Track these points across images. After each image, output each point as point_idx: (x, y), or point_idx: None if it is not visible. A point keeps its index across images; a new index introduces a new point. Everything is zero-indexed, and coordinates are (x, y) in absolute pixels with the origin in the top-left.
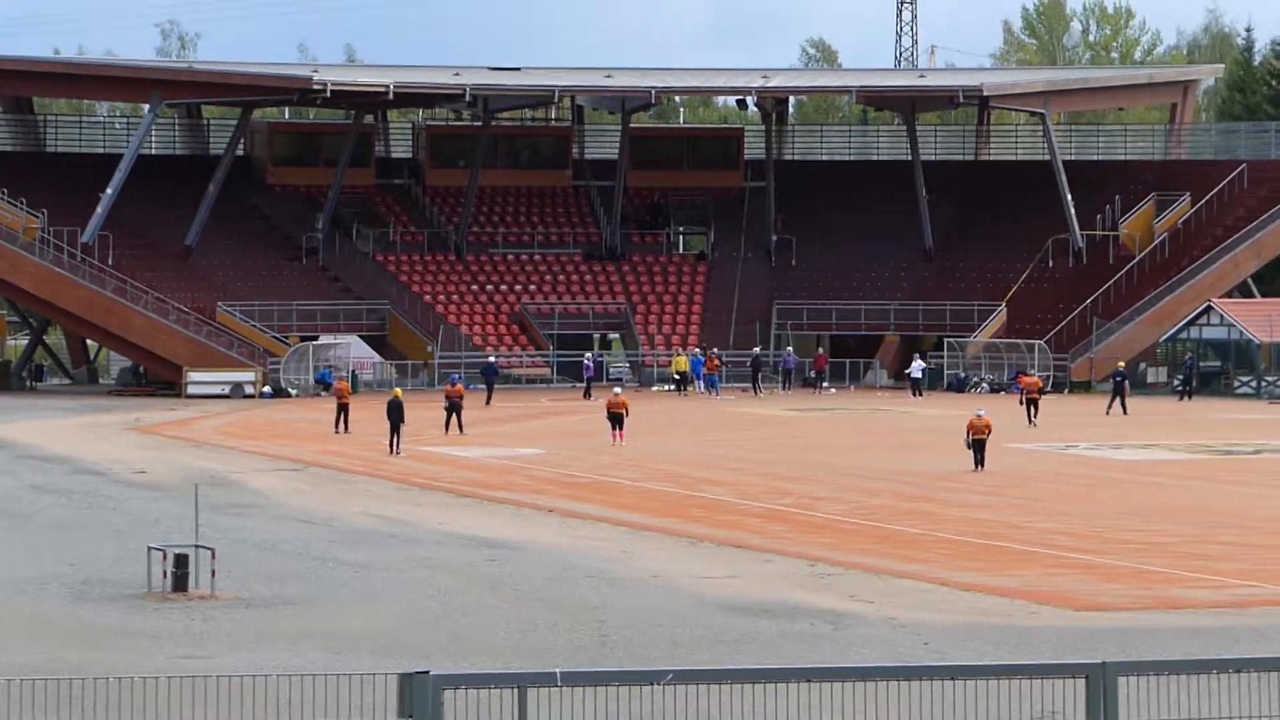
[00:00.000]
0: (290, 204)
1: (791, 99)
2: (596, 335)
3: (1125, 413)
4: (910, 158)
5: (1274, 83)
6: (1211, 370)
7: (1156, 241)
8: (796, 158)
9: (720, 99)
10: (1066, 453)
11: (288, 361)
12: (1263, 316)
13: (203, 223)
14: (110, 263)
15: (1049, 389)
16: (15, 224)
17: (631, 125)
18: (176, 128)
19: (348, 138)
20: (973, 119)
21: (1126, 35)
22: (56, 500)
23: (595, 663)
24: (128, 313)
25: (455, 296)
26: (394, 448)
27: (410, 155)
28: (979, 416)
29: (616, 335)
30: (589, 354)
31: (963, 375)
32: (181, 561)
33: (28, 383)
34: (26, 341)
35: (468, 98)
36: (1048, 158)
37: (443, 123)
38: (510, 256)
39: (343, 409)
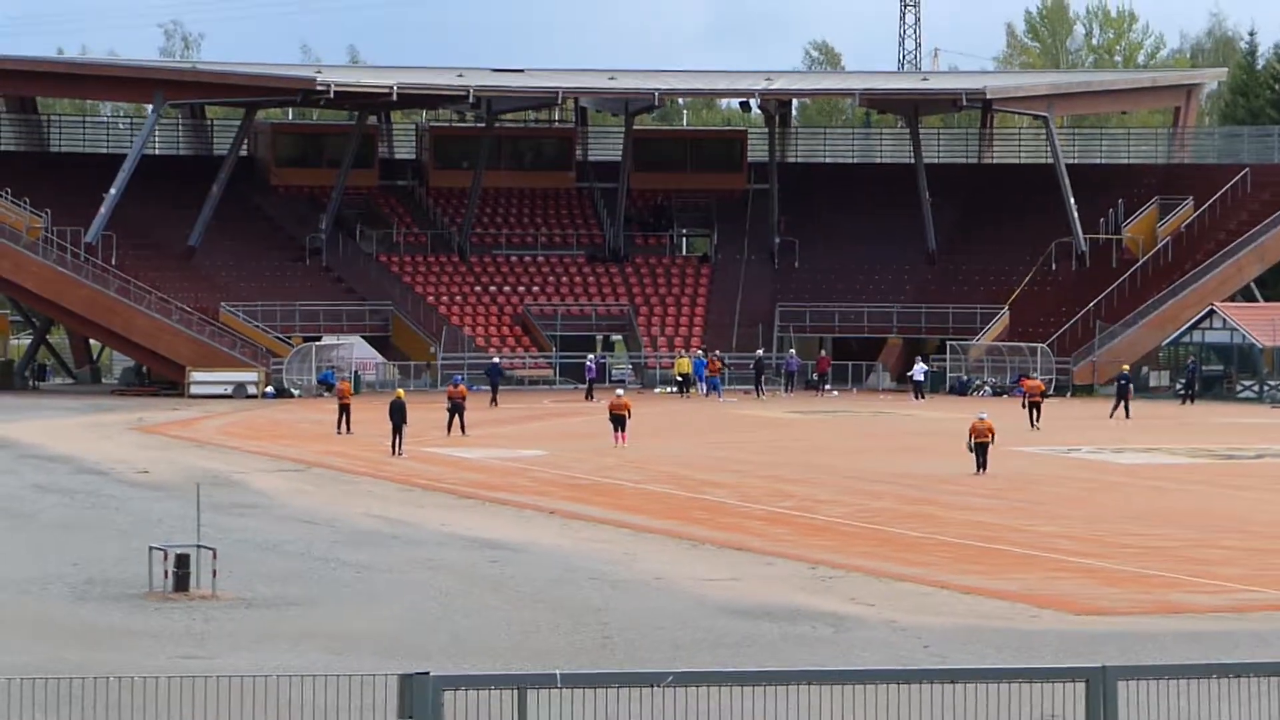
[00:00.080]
0: (293, 205)
1: (794, 101)
2: (599, 337)
3: (1128, 416)
4: (913, 160)
5: (1277, 87)
6: (1214, 374)
7: (1159, 245)
8: (799, 160)
9: (723, 101)
10: (1068, 456)
11: (290, 362)
12: (1265, 321)
13: (206, 223)
14: (114, 263)
15: (1051, 392)
16: (19, 224)
17: (635, 127)
18: (180, 128)
19: (351, 138)
20: (976, 122)
21: (1130, 39)
22: (59, 500)
23: (596, 665)
24: (131, 313)
25: (458, 298)
26: (396, 449)
27: (414, 156)
28: (981, 420)
29: (619, 337)
30: (591, 355)
31: (965, 378)
32: (183, 561)
33: (31, 382)
34: (30, 341)
35: (471, 99)
36: (1051, 161)
37: (446, 124)
38: (513, 258)
39: (344, 410)
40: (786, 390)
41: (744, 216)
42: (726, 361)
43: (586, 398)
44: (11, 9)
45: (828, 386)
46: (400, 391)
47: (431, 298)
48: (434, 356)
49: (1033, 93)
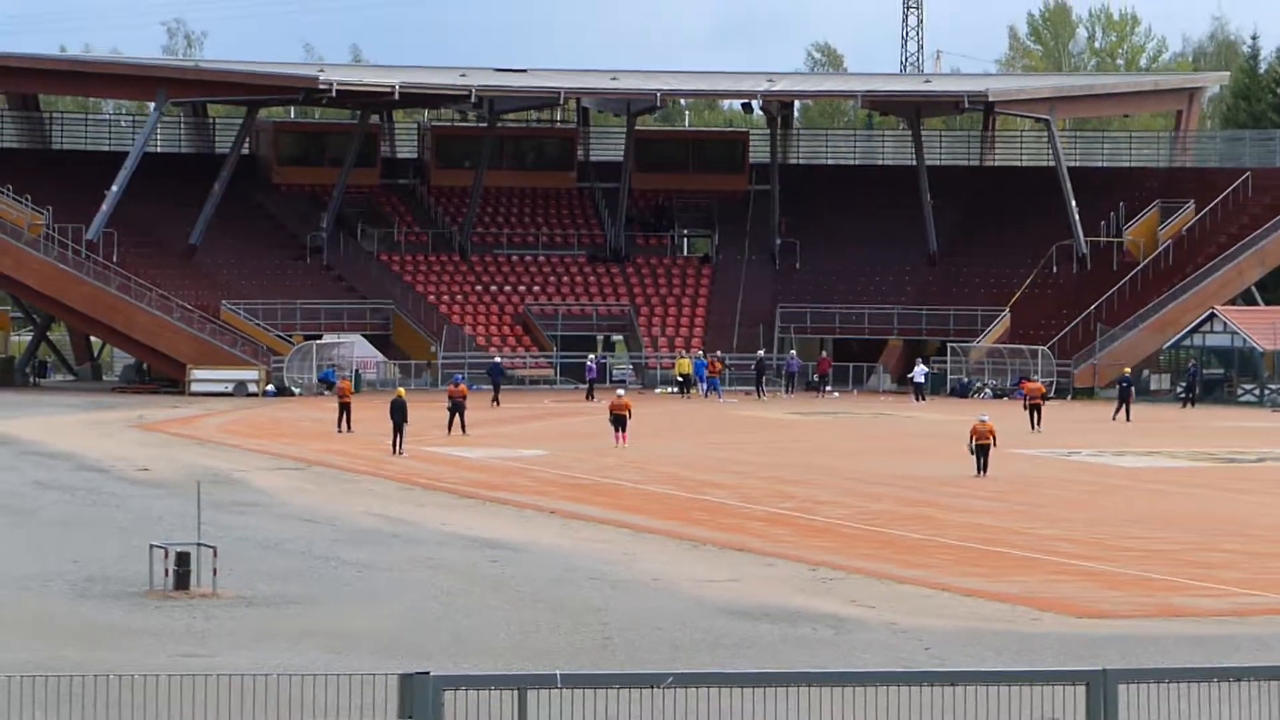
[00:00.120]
0: (295, 203)
1: (796, 102)
2: (600, 337)
3: (1128, 419)
4: (915, 162)
5: (1279, 90)
6: (1214, 378)
7: (1160, 248)
8: (801, 161)
9: (725, 102)
10: (1069, 459)
11: (291, 360)
12: (1266, 324)
13: (207, 221)
14: (115, 260)
15: (1051, 395)
16: (20, 221)
17: (636, 128)
18: (182, 126)
19: (353, 137)
20: (978, 124)
21: (1132, 42)
22: (60, 497)
23: (596, 665)
24: (132, 310)
25: (459, 297)
26: (397, 448)
27: (415, 155)
28: (982, 422)
29: (620, 337)
30: (592, 356)
31: (966, 380)
32: (184, 559)
33: (31, 379)
34: (30, 338)
35: (473, 99)
36: (1052, 163)
37: (448, 123)
38: (514, 257)
39: (345, 408)
40: (787, 391)
41: (745, 217)
42: (727, 362)
43: (587, 398)
44: (14, 7)
45: (828, 388)
46: (401, 390)
47: (432, 297)
48: (435, 356)
49: (1035, 95)
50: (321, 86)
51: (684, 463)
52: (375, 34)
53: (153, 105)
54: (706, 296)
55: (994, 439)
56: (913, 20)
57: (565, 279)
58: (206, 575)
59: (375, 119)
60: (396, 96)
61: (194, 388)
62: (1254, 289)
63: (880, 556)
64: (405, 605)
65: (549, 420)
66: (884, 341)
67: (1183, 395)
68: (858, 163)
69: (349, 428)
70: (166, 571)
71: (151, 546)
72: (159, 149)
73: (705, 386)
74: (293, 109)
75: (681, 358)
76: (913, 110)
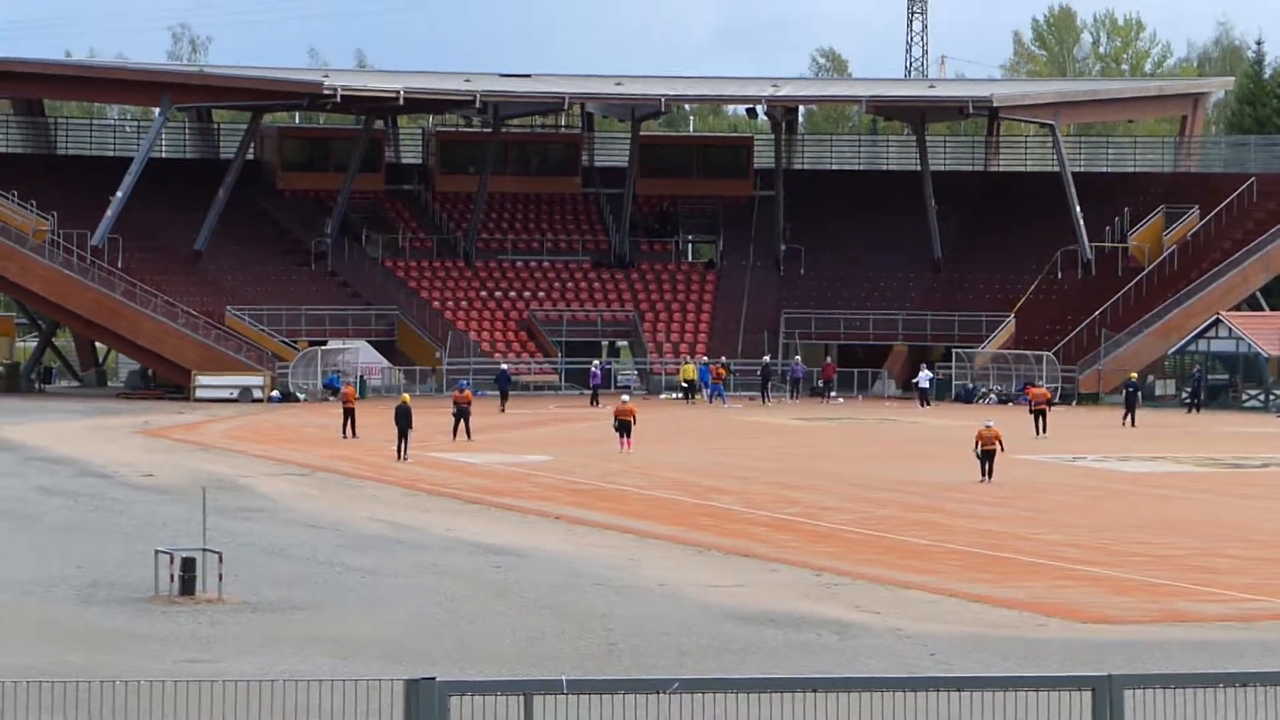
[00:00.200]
0: (300, 209)
1: (801, 108)
2: (605, 343)
3: (1133, 425)
4: (920, 168)
5: None
6: (1219, 383)
7: (1165, 254)
8: (806, 167)
9: (730, 108)
10: (1074, 464)
11: (296, 366)
12: (1271, 330)
13: (212, 227)
14: (120, 266)
15: (1057, 401)
16: (25, 226)
17: (641, 133)
18: (187, 131)
19: (358, 143)
20: (982, 130)
21: (1137, 47)
22: (64, 502)
23: (602, 671)
24: (137, 316)
25: (464, 303)
26: (402, 453)
27: (420, 161)
28: (988, 427)
29: (625, 343)
30: (597, 361)
31: (971, 386)
32: (188, 565)
33: (36, 385)
34: (35, 344)
35: (478, 104)
36: (1057, 169)
37: (453, 129)
38: (519, 263)
39: (349, 414)
40: (792, 397)
41: (750, 223)
42: (732, 368)
43: (591, 403)
44: (19, 12)
45: (833, 393)
46: (405, 396)
47: (437, 303)
48: (439, 361)
49: (1039, 101)
50: (326, 92)
51: (689, 468)
52: (380, 39)
53: (158, 110)
54: (711, 302)
55: (1000, 444)
56: (917, 26)
57: (570, 285)
58: (211, 581)
59: (380, 124)
60: (401, 102)
61: (199, 393)
62: (1259, 294)
63: (885, 562)
64: (410, 611)
65: (554, 426)
66: (889, 347)
67: (1188, 400)
68: (862, 168)
69: (354, 433)
70: (171, 577)
71: (156, 552)
72: (164, 154)
73: (709, 392)
74: (297, 114)
75: (686, 363)
76: (917, 116)
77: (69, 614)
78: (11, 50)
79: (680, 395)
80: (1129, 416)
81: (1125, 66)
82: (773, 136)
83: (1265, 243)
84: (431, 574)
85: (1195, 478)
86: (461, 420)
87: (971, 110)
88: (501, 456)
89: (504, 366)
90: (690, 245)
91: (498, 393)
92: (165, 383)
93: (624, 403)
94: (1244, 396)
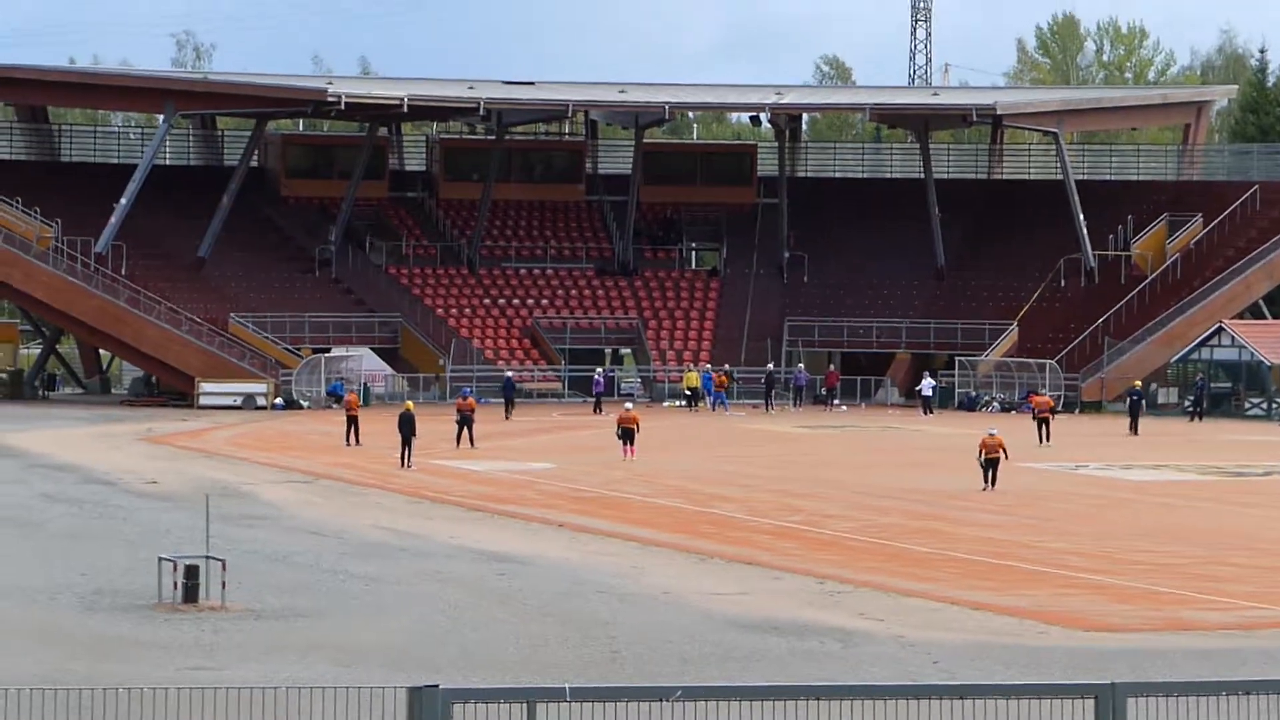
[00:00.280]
0: (303, 216)
1: (805, 116)
2: (608, 350)
3: (1136, 432)
4: (923, 176)
5: None
6: (1222, 391)
7: (1168, 262)
8: (809, 175)
9: (734, 115)
10: (1077, 473)
11: (300, 373)
12: (1274, 338)
13: (216, 234)
14: (123, 273)
15: (1060, 409)
16: (29, 233)
17: (644, 140)
18: (191, 138)
19: (361, 150)
20: (986, 138)
21: (1140, 55)
22: (68, 509)
23: (605, 678)
24: (140, 323)
25: (467, 310)
26: (405, 461)
27: (424, 168)
28: (991, 435)
29: (628, 350)
30: (600, 369)
31: (974, 394)
32: (192, 572)
33: (40, 392)
34: (39, 351)
35: (482, 111)
36: (1060, 177)
37: (456, 136)
38: (523, 270)
39: (353, 421)
40: (795, 405)
41: (753, 230)
42: (735, 376)
43: (595, 411)
44: (24, 19)
45: (836, 401)
46: (409, 404)
47: (441, 310)
48: (443, 369)
49: (1043, 109)
50: (330, 99)
51: (692, 476)
52: (383, 46)
53: (161, 118)
54: (714, 310)
55: (1004, 452)
56: (921, 34)
57: (573, 292)
58: (215, 588)
59: (383, 131)
60: (405, 109)
61: (202, 401)
62: (1261, 303)
63: (888, 570)
64: (414, 618)
65: (557, 433)
66: (892, 355)
67: (1190, 409)
68: (865, 176)
69: (357, 441)
70: (175, 584)
71: (160, 559)
72: (168, 161)
73: (712, 400)
74: (301, 121)
75: (689, 371)
76: (921, 123)
77: (73, 621)
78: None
79: (684, 403)
80: (1134, 425)
81: (1129, 75)
82: (776, 144)
83: (1268, 251)
84: (435, 581)
85: (1198, 486)
86: (465, 428)
87: (975, 118)
88: (505, 464)
89: (510, 374)
90: (694, 253)
91: (503, 400)
92: (169, 390)
93: (627, 410)
94: (1247, 405)
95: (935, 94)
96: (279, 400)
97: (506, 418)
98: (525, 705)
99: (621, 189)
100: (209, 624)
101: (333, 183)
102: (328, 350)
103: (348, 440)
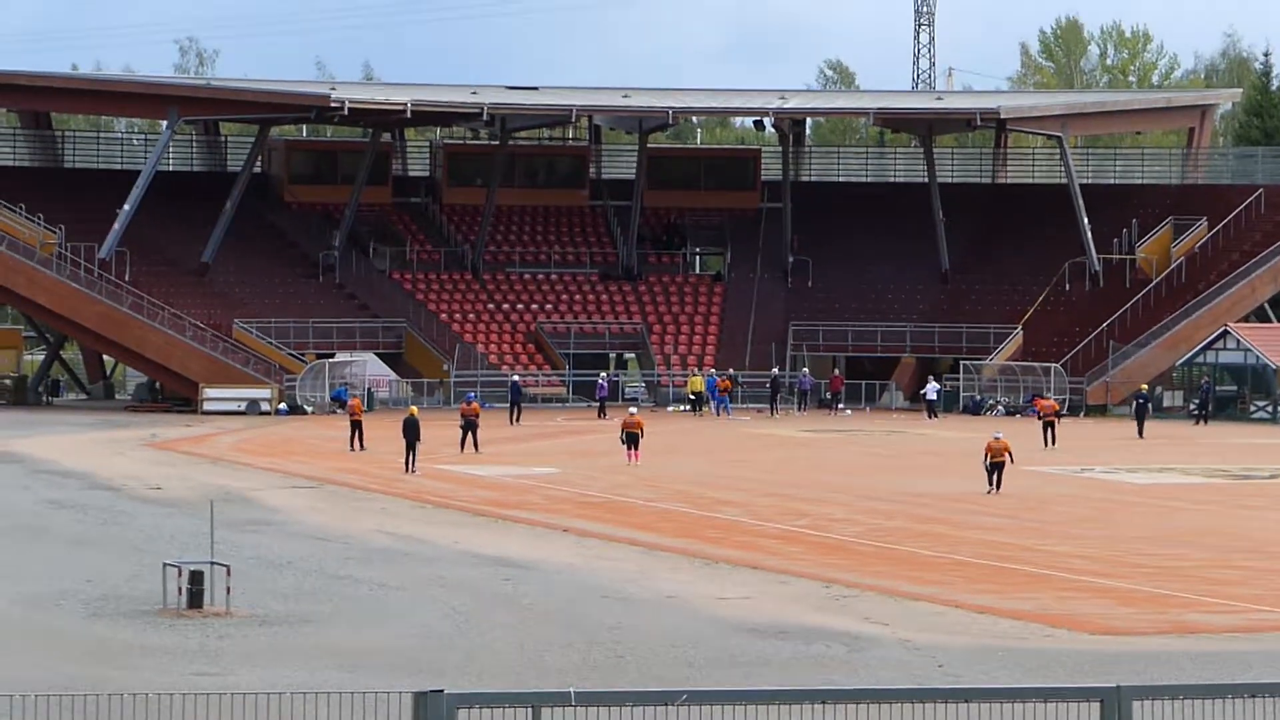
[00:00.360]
0: (307, 221)
1: (808, 120)
2: (612, 355)
3: (1141, 436)
4: (927, 180)
5: None
6: (1227, 395)
7: (1173, 265)
8: (813, 179)
9: (737, 120)
10: (1081, 476)
11: (304, 379)
12: (1279, 341)
13: (219, 239)
14: (127, 279)
15: (1065, 412)
16: (33, 239)
17: (648, 145)
18: (194, 144)
19: (365, 156)
20: (990, 141)
21: (1144, 59)
22: (72, 516)
23: (610, 683)
24: (144, 329)
25: (471, 315)
26: (409, 466)
27: (427, 174)
28: (997, 439)
29: (632, 355)
30: (604, 373)
31: (978, 398)
32: (197, 578)
33: (44, 398)
34: (43, 357)
35: (485, 116)
36: (1065, 181)
37: (460, 141)
38: (527, 275)
39: (357, 427)
40: (800, 409)
41: (757, 235)
42: (739, 380)
43: (599, 416)
44: (27, 25)
45: (841, 405)
46: (413, 409)
47: (445, 315)
48: (447, 374)
49: (1047, 113)
50: (333, 105)
51: (697, 480)
52: (387, 52)
53: (165, 124)
54: (719, 314)
55: (1009, 456)
56: (924, 38)
57: (577, 297)
58: (220, 594)
59: (387, 137)
60: (408, 114)
61: (206, 406)
62: (1267, 306)
63: (893, 574)
64: (418, 624)
65: (561, 438)
66: (896, 359)
67: (1196, 412)
68: (870, 180)
69: (361, 446)
70: (180, 590)
71: (165, 565)
72: (171, 167)
73: (716, 404)
74: (304, 127)
75: (694, 375)
76: (925, 128)
77: (78, 627)
78: (19, 63)
79: (688, 408)
80: (1140, 429)
81: (1132, 78)
82: (780, 148)
83: (1273, 254)
84: (439, 586)
85: (1203, 489)
86: (469, 432)
87: (979, 122)
88: (509, 469)
89: (516, 378)
90: (698, 257)
91: (509, 404)
92: (173, 395)
93: (632, 415)
94: (1252, 408)
95: (939, 98)
96: (283, 406)
97: (512, 423)
98: (530, 710)
99: (625, 194)
100: (213, 629)
101: (336, 188)
102: (332, 355)
103: (352, 445)
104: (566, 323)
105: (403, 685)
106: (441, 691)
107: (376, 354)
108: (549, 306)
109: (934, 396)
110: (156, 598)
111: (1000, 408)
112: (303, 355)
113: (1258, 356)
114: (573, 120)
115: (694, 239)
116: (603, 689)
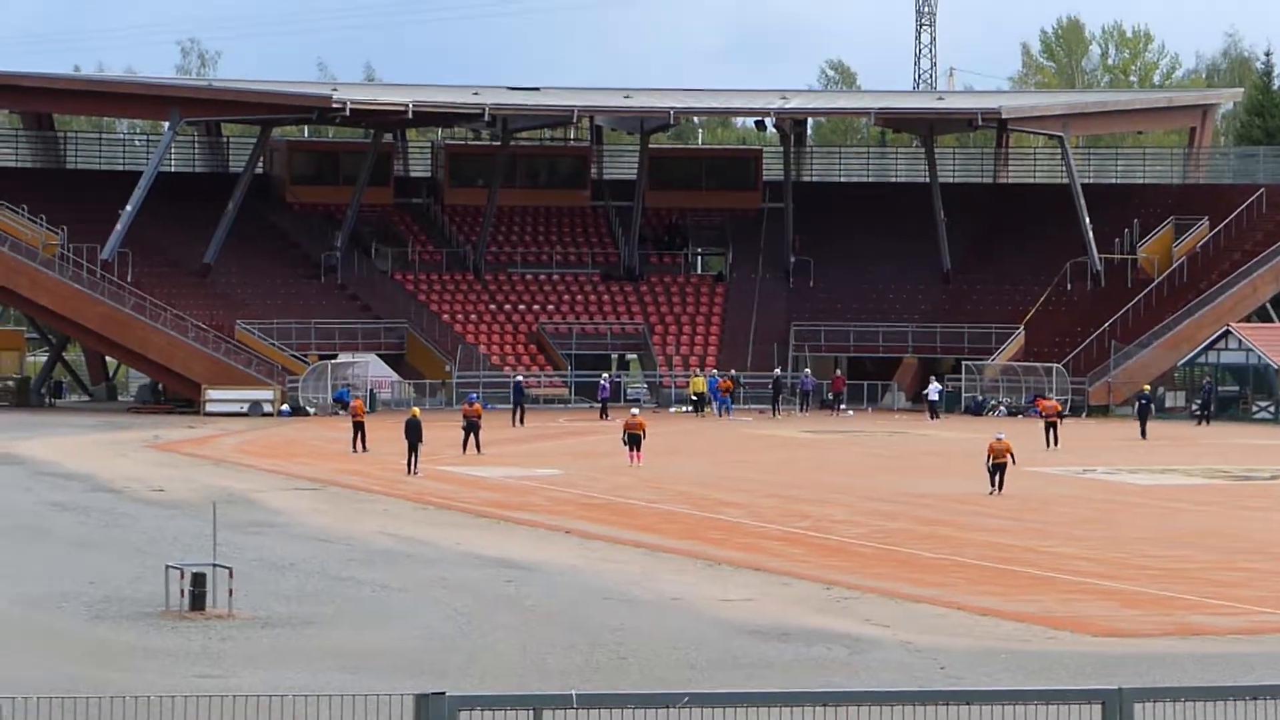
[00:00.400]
0: (309, 222)
1: (810, 120)
2: (614, 355)
3: (1143, 437)
4: (928, 180)
5: None
6: (1229, 395)
7: (1175, 265)
8: (815, 179)
9: (739, 120)
10: (1084, 477)
11: (306, 380)
12: None
13: (221, 240)
14: (129, 280)
15: (1067, 413)
16: (35, 240)
17: (650, 145)
18: (196, 145)
19: (366, 156)
20: (991, 142)
21: (1145, 59)
22: (75, 517)
23: (612, 685)
24: (146, 330)
25: (473, 316)
26: (412, 467)
27: (429, 174)
28: (999, 440)
29: (634, 356)
30: (605, 374)
31: (980, 398)
32: (199, 580)
33: (47, 399)
34: (46, 358)
35: (487, 117)
36: (1066, 181)
37: (461, 142)
38: (528, 276)
39: (359, 428)
40: (802, 409)
41: (759, 235)
42: (741, 381)
43: (601, 417)
44: (29, 26)
45: (843, 406)
46: (415, 410)
47: (447, 316)
48: (449, 375)
49: (1048, 113)
50: (335, 106)
51: (699, 481)
52: (388, 53)
53: (167, 125)
54: (720, 315)
55: (1011, 457)
56: (926, 38)
57: (579, 298)
58: (222, 596)
59: (389, 138)
60: (410, 115)
61: (209, 408)
62: (1269, 305)
63: (895, 575)
64: (420, 625)
65: (563, 439)
66: (898, 359)
67: (1198, 412)
68: (871, 180)
69: (364, 448)
70: (182, 592)
71: (167, 567)
72: (173, 168)
73: (717, 405)
74: (306, 128)
75: (696, 376)
76: (926, 128)
77: (80, 629)
78: (21, 65)
79: (690, 408)
80: (1143, 430)
81: (1134, 78)
82: (781, 149)
83: (1275, 254)
84: (441, 588)
85: (1205, 490)
86: (471, 434)
87: (980, 122)
88: (511, 470)
89: (519, 379)
90: (699, 258)
91: (511, 405)
92: (175, 397)
93: (633, 416)
94: (1254, 408)
95: (940, 98)
96: (285, 407)
97: (515, 424)
98: (532, 712)
99: (627, 194)
100: (216, 631)
101: (338, 189)
102: (334, 357)
103: (354, 447)
104: (568, 323)
105: (405, 687)
106: (443, 693)
107: (378, 355)
108: (550, 307)
109: (936, 397)
110: (159, 599)
111: (1002, 408)
112: (305, 356)
113: (1260, 357)
114: (574, 121)
115: (695, 239)
116: (605, 691)
